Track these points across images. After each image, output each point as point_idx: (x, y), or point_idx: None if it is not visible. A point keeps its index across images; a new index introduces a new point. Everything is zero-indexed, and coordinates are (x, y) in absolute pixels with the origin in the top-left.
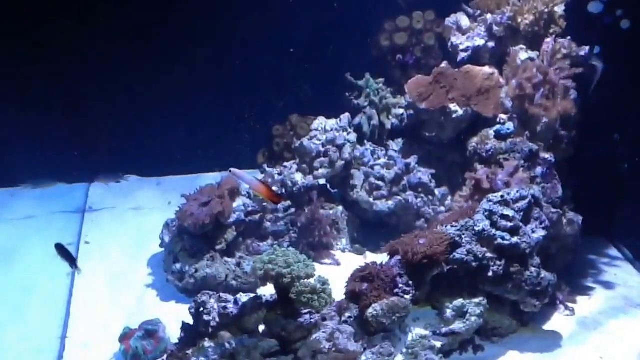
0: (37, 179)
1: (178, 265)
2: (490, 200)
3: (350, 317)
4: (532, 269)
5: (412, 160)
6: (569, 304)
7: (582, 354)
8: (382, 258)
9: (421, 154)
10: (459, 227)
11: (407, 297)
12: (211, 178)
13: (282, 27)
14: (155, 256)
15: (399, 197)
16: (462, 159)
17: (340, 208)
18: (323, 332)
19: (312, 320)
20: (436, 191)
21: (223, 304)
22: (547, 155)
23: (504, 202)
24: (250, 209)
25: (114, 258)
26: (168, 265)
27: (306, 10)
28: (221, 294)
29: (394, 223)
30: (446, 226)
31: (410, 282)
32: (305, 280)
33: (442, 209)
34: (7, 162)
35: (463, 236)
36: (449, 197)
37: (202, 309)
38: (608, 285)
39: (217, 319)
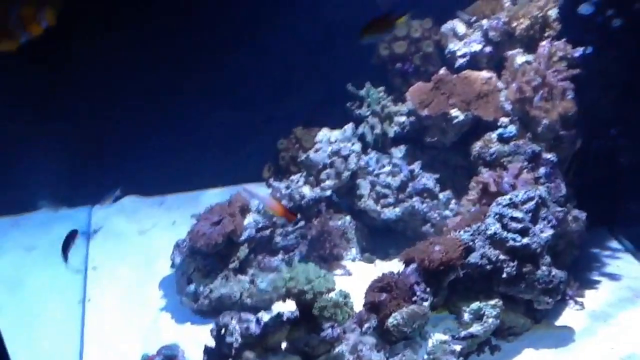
0: (40, 205)
1: (192, 287)
2: (499, 204)
3: (369, 327)
4: (544, 267)
5: (416, 166)
6: (578, 299)
7: (594, 346)
8: (391, 265)
9: (425, 159)
10: (472, 231)
11: (426, 304)
12: (214, 194)
13: (279, 40)
14: (166, 278)
15: (405, 204)
16: (466, 162)
17: (348, 218)
18: (345, 344)
19: (334, 334)
20: (440, 195)
21: (245, 325)
22: (549, 156)
23: (513, 205)
24: (260, 225)
25: (124, 282)
26: (181, 287)
27: (304, 22)
28: (242, 314)
29: (400, 229)
30: (459, 231)
31: (428, 289)
32: (327, 295)
33: (447, 212)
34: (7, 189)
35: (476, 240)
36: (453, 201)
37: (223, 331)
38: (613, 277)
39: (240, 340)
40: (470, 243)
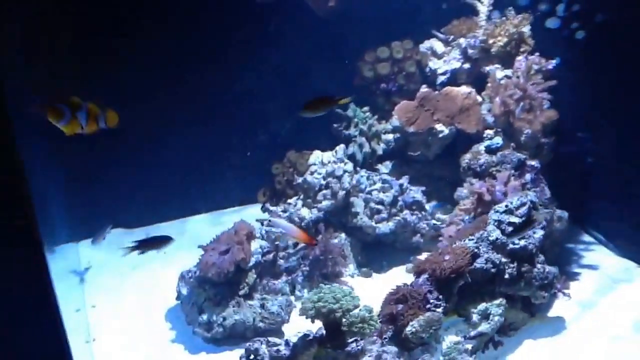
0: None
1: (205, 316)
2: (497, 211)
3: (385, 338)
4: (539, 265)
5: (404, 180)
6: (566, 291)
7: (586, 332)
8: (387, 277)
9: (411, 173)
10: (476, 239)
11: (439, 310)
12: (199, 220)
13: (258, 67)
14: (171, 310)
15: (397, 217)
16: (448, 173)
17: (343, 235)
18: (369, 356)
19: (358, 347)
20: (426, 206)
21: (275, 348)
22: (533, 162)
23: (509, 211)
24: (265, 250)
25: (127, 318)
26: (192, 318)
27: (283, 50)
28: (269, 339)
29: (390, 242)
30: (464, 240)
31: (440, 296)
32: (354, 311)
33: (434, 222)
34: None
35: (480, 247)
36: (438, 211)
37: (252, 356)
38: (592, 268)
39: None
40: (476, 250)
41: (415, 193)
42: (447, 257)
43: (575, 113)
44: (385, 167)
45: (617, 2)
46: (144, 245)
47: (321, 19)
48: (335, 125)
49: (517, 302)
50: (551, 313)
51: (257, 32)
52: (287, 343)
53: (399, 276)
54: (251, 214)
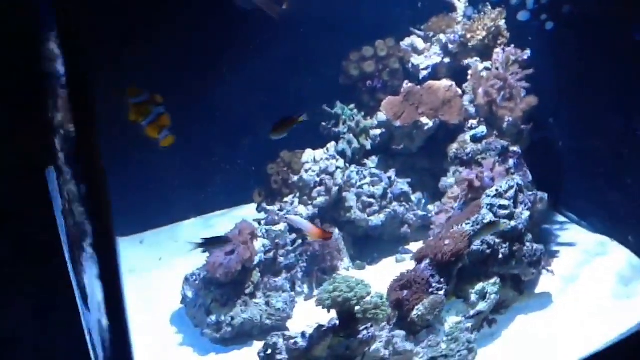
0: None
1: (213, 317)
2: (488, 195)
3: (392, 323)
4: (527, 244)
5: (392, 173)
6: (549, 267)
7: (572, 302)
8: (379, 268)
9: (396, 166)
10: (472, 223)
11: (441, 292)
12: (189, 225)
13: (244, 66)
14: (175, 313)
15: (387, 210)
16: (430, 164)
17: (336, 230)
18: (379, 341)
19: (370, 334)
20: (413, 197)
21: (292, 340)
22: (515, 148)
23: (499, 195)
24: (267, 248)
25: (133, 324)
26: (200, 319)
27: (267, 54)
28: (285, 333)
29: (379, 233)
30: (461, 225)
31: (442, 280)
32: (367, 298)
33: (421, 213)
34: None
35: (476, 229)
36: (423, 201)
37: (270, 351)
38: (569, 245)
39: (287, 356)
40: (472, 233)
41: (402, 185)
42: (447, 242)
43: (546, 100)
44: (372, 162)
45: None
46: (210, 243)
47: (304, 23)
48: (323, 123)
49: (508, 281)
50: (538, 289)
51: (241, 35)
52: (303, 335)
53: (391, 266)
54: (241, 214)
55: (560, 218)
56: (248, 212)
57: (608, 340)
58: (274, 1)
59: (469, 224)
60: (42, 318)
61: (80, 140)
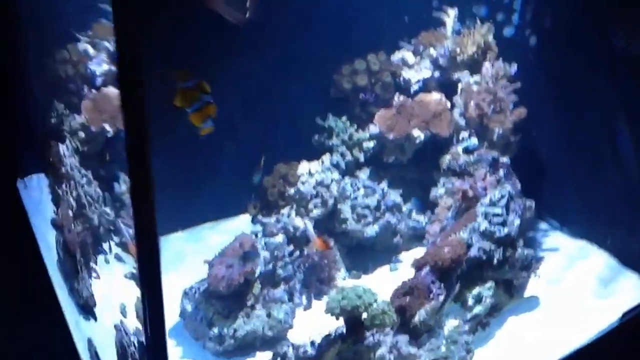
0: None
1: (215, 330)
2: (483, 204)
3: (399, 328)
4: (519, 249)
5: (384, 184)
6: (536, 271)
7: (558, 304)
8: (374, 277)
9: (387, 177)
10: (468, 231)
11: (441, 297)
12: (178, 238)
13: (231, 74)
14: (172, 328)
15: (381, 221)
16: (419, 176)
17: (332, 241)
18: (384, 346)
19: (376, 340)
20: (404, 208)
21: (302, 349)
22: (504, 159)
23: (493, 204)
24: (267, 260)
25: None
26: (200, 333)
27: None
28: (293, 342)
29: (371, 244)
30: (458, 233)
31: (442, 285)
32: (374, 305)
33: (412, 223)
34: None
35: (473, 237)
36: (413, 211)
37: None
38: (551, 250)
39: None
40: (469, 240)
41: (395, 196)
42: (446, 249)
43: (531, 111)
44: (364, 173)
45: (563, 10)
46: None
47: (291, 32)
48: (317, 136)
49: (500, 284)
50: (526, 293)
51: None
52: (312, 344)
53: (385, 275)
54: (231, 227)
55: (543, 225)
56: (238, 224)
57: (590, 336)
58: (237, 10)
59: (465, 231)
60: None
61: (132, 140)
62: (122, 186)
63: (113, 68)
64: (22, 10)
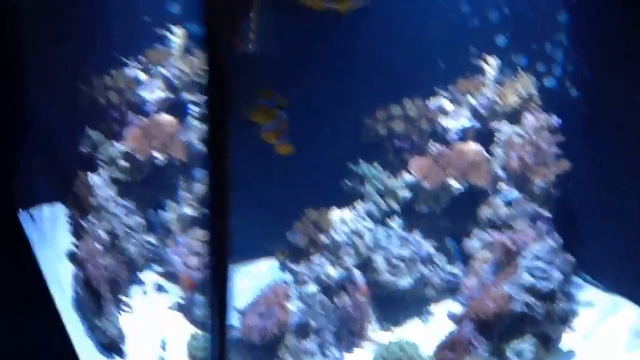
0: None
1: None
2: (525, 258)
3: None
4: (559, 303)
5: (417, 234)
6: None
7: (592, 357)
8: (404, 329)
9: (419, 227)
10: (511, 285)
11: (483, 352)
12: None
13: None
14: None
15: (415, 272)
16: (452, 225)
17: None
18: None
19: None
20: (436, 259)
21: None
22: (546, 213)
23: (536, 258)
24: (300, 310)
25: None
26: None
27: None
28: None
29: (402, 295)
30: (499, 286)
31: (483, 339)
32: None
33: (445, 275)
34: None
35: (516, 291)
36: (447, 263)
37: None
38: (587, 305)
39: None
40: (512, 294)
41: (428, 247)
42: (490, 304)
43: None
44: (396, 222)
45: (605, 62)
46: None
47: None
48: (347, 181)
49: (538, 338)
50: (562, 346)
51: None
52: None
53: (416, 327)
54: (256, 271)
55: (576, 278)
56: (261, 269)
57: None
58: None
59: (507, 285)
60: None
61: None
62: (170, 213)
63: (170, 95)
64: (49, 32)
